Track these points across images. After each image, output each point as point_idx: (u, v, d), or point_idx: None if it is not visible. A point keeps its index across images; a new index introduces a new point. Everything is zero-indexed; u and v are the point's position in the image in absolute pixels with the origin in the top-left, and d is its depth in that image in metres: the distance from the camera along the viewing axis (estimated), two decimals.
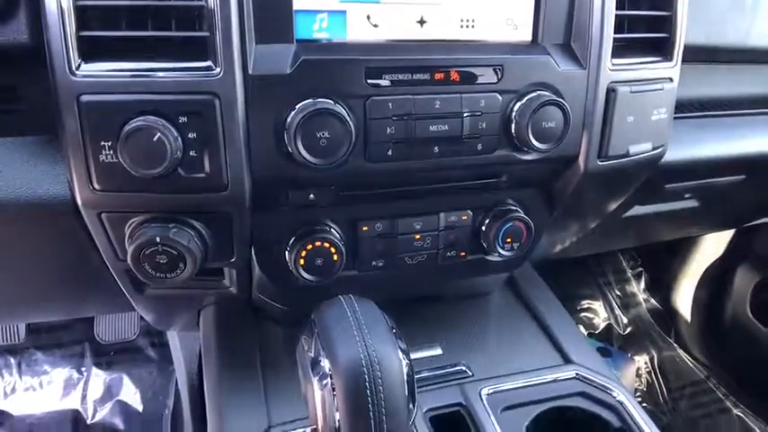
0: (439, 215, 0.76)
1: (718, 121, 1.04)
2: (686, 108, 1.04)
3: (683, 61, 0.82)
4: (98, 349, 1.58)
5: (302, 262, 0.69)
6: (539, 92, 0.68)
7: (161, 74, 0.55)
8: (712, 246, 1.89)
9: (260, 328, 0.83)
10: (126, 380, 1.56)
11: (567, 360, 0.83)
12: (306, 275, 0.69)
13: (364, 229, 0.73)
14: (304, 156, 0.59)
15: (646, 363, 1.92)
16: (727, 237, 1.85)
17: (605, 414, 0.77)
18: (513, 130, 0.68)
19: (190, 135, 0.56)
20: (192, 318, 0.96)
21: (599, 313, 2.00)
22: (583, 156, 0.75)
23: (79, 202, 0.60)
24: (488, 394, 0.75)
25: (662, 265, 2.02)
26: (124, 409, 1.52)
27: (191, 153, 0.57)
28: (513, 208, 0.79)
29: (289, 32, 0.60)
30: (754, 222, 1.63)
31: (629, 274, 2.08)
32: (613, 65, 0.72)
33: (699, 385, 1.86)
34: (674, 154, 0.91)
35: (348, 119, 0.59)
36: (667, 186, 1.04)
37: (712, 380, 1.87)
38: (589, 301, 1.99)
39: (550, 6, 0.69)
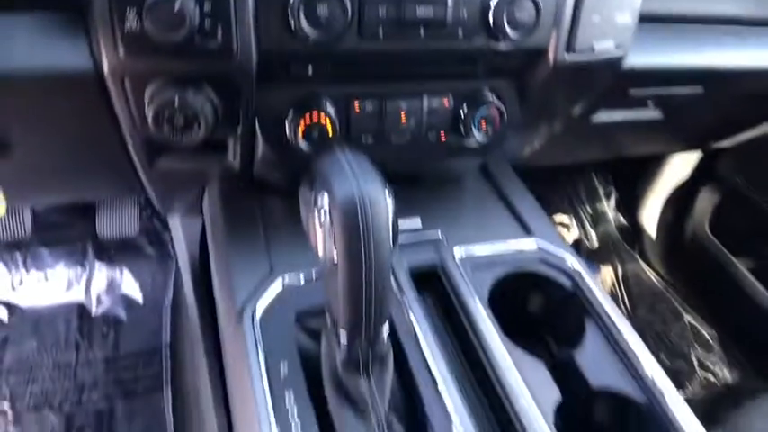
0: (423, 98, 0.85)
1: (681, 32, 1.12)
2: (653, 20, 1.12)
3: None
4: (99, 246, 1.68)
5: (301, 133, 0.78)
6: None
7: None
8: (679, 168, 2.01)
9: (261, 200, 0.93)
10: (127, 274, 1.66)
11: (531, 233, 0.95)
12: (304, 146, 0.79)
13: (356, 106, 0.82)
14: (305, 29, 0.68)
15: (611, 275, 2.07)
16: (693, 160, 1.97)
17: (560, 278, 0.89)
18: (490, 19, 0.77)
19: (205, 6, 0.64)
20: (195, 200, 1.05)
21: (570, 229, 2.13)
22: (552, 49, 0.84)
23: (105, 68, 0.68)
24: (460, 257, 0.87)
25: (632, 185, 2.15)
26: (126, 300, 1.64)
27: (206, 22, 0.65)
28: (490, 97, 0.88)
29: None
30: (717, 145, 1.74)
31: (601, 194, 2.21)
32: None
33: (657, 296, 2.02)
34: (636, 59, 1.00)
35: None
36: (631, 91, 1.13)
37: (670, 291, 2.03)
38: (562, 218, 2.12)
39: None
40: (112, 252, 1.69)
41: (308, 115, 0.78)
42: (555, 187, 2.14)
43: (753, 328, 1.79)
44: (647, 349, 0.81)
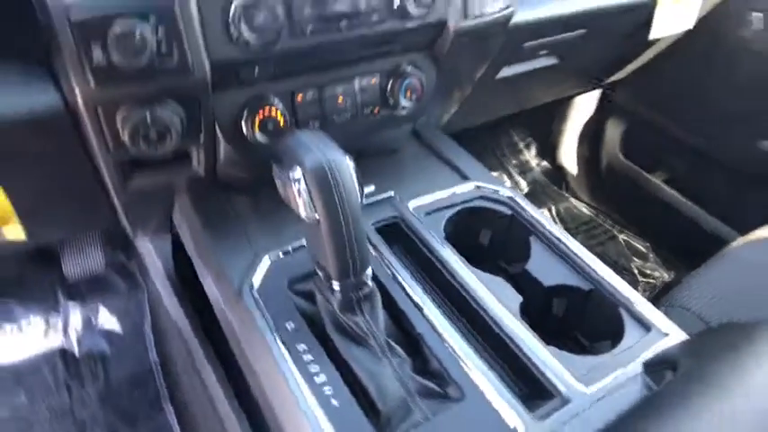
0: (354, 81, 0.98)
1: None
2: None
3: None
4: (69, 289, 1.73)
5: (257, 128, 0.90)
6: None
7: None
8: (584, 106, 2.22)
9: (229, 199, 1.03)
10: (102, 310, 1.71)
11: (468, 179, 1.10)
12: (261, 138, 0.90)
13: (299, 97, 0.94)
14: (246, 37, 0.79)
15: (547, 216, 2.26)
16: (594, 96, 2.18)
17: (499, 207, 1.04)
18: (395, 5, 0.90)
19: (159, 32, 0.75)
20: (164, 218, 1.14)
21: (502, 181, 2.31)
22: (451, 19, 0.98)
23: (79, 101, 0.77)
24: (414, 207, 1.01)
25: (547, 132, 2.35)
26: (106, 334, 1.69)
27: (162, 47, 0.75)
28: (410, 69, 1.02)
29: None
30: (611, 79, 1.95)
31: (521, 146, 2.40)
32: None
33: (590, 223, 2.23)
34: (523, 15, 1.16)
35: (276, 4, 0.80)
36: (525, 45, 1.29)
37: (600, 217, 2.25)
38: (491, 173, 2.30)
39: None
40: (83, 292, 1.74)
41: (260, 111, 0.89)
42: (480, 148, 2.32)
43: (677, 230, 2.02)
44: (583, 248, 0.97)
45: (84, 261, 1.69)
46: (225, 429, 1.14)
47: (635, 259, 2.07)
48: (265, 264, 0.90)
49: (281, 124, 0.91)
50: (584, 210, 2.28)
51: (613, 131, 2.16)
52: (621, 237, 2.15)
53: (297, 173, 0.72)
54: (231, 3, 0.78)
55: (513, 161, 2.37)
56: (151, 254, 1.38)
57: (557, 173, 2.38)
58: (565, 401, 0.73)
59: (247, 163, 0.96)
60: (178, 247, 1.35)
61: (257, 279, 0.87)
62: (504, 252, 1.04)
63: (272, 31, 0.81)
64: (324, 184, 0.70)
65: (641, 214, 2.14)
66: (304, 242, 0.93)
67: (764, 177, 1.72)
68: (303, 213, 0.73)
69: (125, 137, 0.80)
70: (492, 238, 1.05)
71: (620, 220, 2.21)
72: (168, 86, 0.79)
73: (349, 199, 0.71)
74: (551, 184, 2.36)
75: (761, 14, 1.64)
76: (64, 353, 1.67)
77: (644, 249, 2.09)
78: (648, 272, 2.01)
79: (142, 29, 0.73)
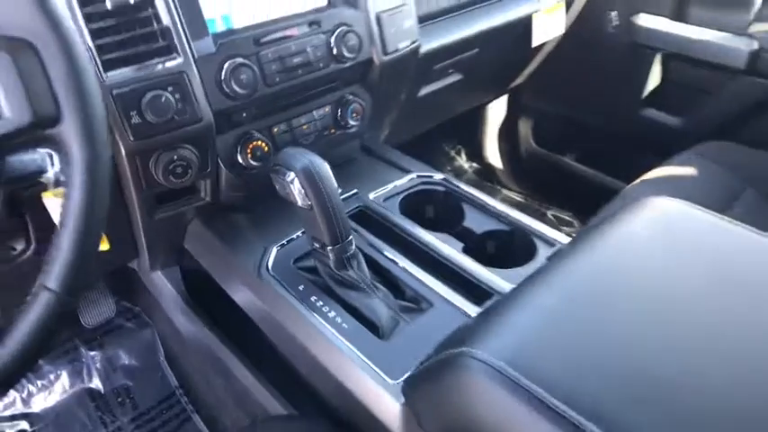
0: (313, 112, 1.31)
1: (457, 19, 1.67)
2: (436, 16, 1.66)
3: None
4: (86, 337, 1.97)
5: (249, 156, 1.22)
6: (342, 27, 1.25)
7: (153, 67, 1.04)
8: (497, 111, 2.61)
9: (233, 216, 1.34)
10: (119, 351, 1.96)
11: (410, 171, 1.44)
12: (253, 163, 1.22)
13: (275, 130, 1.26)
14: (235, 90, 1.12)
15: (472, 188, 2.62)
16: (505, 100, 2.58)
17: (436, 187, 1.39)
18: (334, 52, 1.25)
19: (176, 95, 1.06)
20: (176, 249, 1.43)
21: None
22: (375, 57, 1.34)
23: (123, 152, 1.06)
24: (373, 197, 1.34)
25: (471, 137, 2.74)
26: (127, 371, 1.93)
27: (179, 105, 1.07)
28: (352, 98, 1.36)
29: (206, 31, 1.11)
30: (514, 84, 2.35)
31: (453, 153, 2.78)
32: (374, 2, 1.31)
33: (521, 206, 2.60)
34: (427, 45, 1.53)
35: (252, 65, 1.13)
36: (434, 67, 1.67)
37: (529, 200, 2.63)
38: None
39: None
40: (99, 338, 1.98)
41: (249, 144, 1.21)
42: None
43: (591, 196, 2.39)
44: (504, 204, 1.32)
45: (98, 309, 1.94)
46: (260, 405, 1.41)
47: (563, 228, 2.44)
48: (273, 252, 1.21)
49: (266, 151, 1.23)
50: (516, 197, 2.66)
51: (525, 126, 2.55)
52: (550, 213, 2.53)
53: (291, 176, 1.04)
54: (222, 69, 1.11)
55: (449, 168, 2.74)
56: (163, 281, 1.65)
57: (487, 170, 2.76)
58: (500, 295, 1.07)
59: (244, 184, 1.28)
60: (186, 276, 1.64)
61: (270, 262, 1.18)
62: (446, 219, 1.38)
63: (251, 84, 1.14)
64: (311, 178, 1.02)
65: (561, 190, 2.53)
66: (296, 236, 1.25)
67: (646, 137, 2.14)
68: (300, 202, 1.05)
69: (158, 174, 1.10)
70: (435, 210, 1.40)
71: (546, 199, 2.60)
72: (186, 133, 1.10)
73: (330, 186, 1.04)
74: (484, 182, 2.74)
75: (615, 12, 2.09)
76: (92, 393, 1.91)
77: (569, 218, 2.48)
78: (575, 236, 2.39)
79: (165, 94, 1.04)
